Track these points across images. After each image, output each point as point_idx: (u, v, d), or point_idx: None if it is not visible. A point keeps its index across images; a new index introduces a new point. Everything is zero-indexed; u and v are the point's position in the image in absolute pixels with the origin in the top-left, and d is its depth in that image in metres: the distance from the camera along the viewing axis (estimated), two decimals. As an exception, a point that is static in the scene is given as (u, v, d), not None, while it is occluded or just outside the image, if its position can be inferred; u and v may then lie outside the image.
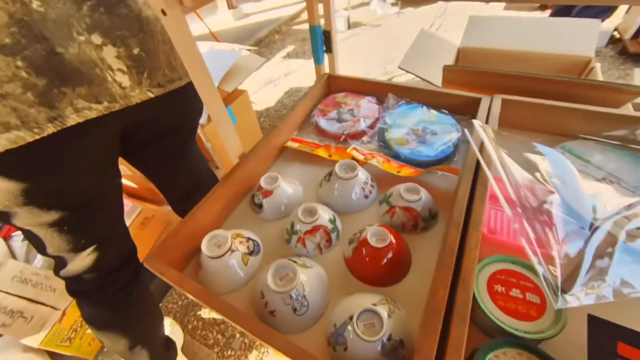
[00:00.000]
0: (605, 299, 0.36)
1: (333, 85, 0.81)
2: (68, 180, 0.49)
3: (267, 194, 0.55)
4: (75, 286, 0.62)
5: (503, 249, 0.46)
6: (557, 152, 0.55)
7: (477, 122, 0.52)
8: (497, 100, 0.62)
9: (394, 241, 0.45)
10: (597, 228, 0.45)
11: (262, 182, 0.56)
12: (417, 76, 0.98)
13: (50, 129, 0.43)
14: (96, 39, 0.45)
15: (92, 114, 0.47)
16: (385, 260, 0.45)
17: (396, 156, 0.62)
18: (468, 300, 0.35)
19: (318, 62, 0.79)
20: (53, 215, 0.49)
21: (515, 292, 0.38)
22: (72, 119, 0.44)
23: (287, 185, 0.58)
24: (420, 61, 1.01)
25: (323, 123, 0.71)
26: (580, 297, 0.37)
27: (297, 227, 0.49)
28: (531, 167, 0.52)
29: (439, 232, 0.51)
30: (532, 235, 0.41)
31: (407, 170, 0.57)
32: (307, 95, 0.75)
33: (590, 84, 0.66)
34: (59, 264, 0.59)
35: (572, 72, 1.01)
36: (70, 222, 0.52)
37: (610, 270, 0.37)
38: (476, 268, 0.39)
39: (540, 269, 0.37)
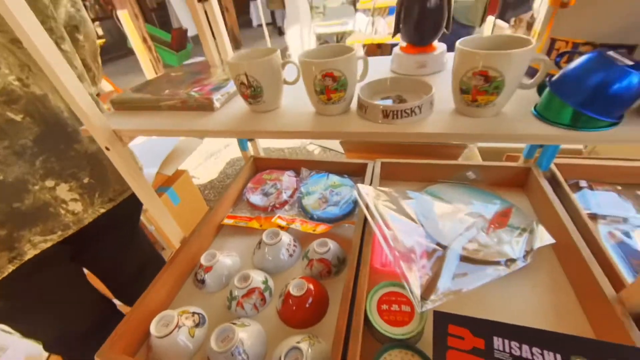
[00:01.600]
0: (448, 298, 0.53)
1: (259, 165, 0.99)
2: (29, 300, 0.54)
3: (208, 269, 0.66)
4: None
5: (390, 276, 0.62)
6: (423, 195, 0.78)
7: (360, 186, 0.72)
8: (378, 163, 0.85)
9: (312, 288, 0.58)
10: (446, 248, 0.64)
11: (203, 260, 0.67)
12: (325, 148, 1.22)
13: (10, 269, 0.49)
14: (49, 182, 0.53)
15: (48, 245, 0.53)
16: (307, 305, 0.57)
17: (312, 218, 0.78)
18: (360, 322, 0.49)
19: (244, 148, 0.97)
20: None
21: (395, 307, 0.54)
22: (30, 253, 0.51)
23: (226, 258, 0.69)
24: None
25: (253, 198, 0.86)
26: (434, 301, 0.54)
27: (235, 293, 0.60)
28: (404, 210, 0.73)
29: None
30: (402, 263, 0.58)
31: (321, 228, 0.74)
32: (237, 176, 0.90)
33: (441, 145, 0.95)
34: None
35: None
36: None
37: (446, 275, 0.56)
38: (366, 296, 0.54)
39: (407, 286, 0.54)
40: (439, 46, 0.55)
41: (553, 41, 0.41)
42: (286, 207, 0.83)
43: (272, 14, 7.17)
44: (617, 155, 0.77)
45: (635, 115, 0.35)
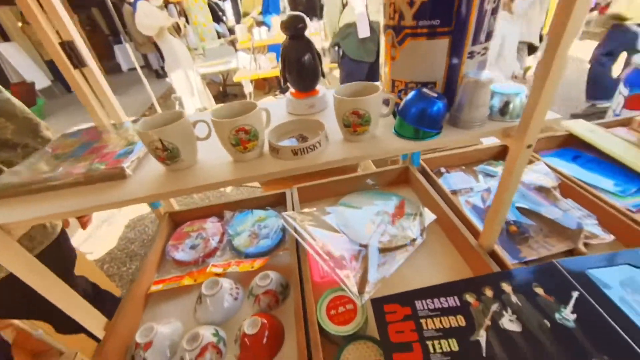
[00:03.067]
0: (377, 286, 0.65)
1: (177, 220, 0.94)
2: None
3: (147, 346, 0.60)
4: None
5: (331, 285, 0.70)
6: (338, 208, 0.90)
7: (285, 214, 0.79)
8: (295, 190, 0.95)
9: (265, 322, 0.61)
10: (367, 246, 0.77)
11: (138, 337, 0.61)
12: (239, 185, 1.25)
13: None
14: None
15: None
16: (265, 339, 0.60)
17: (247, 256, 0.81)
18: (316, 332, 0.55)
19: (155, 206, 0.92)
20: None
21: (341, 309, 0.62)
22: None
23: (164, 327, 0.64)
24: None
25: (179, 255, 0.82)
26: (369, 292, 0.64)
27: (187, 357, 0.57)
28: (327, 224, 0.83)
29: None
30: (337, 270, 0.68)
31: (258, 263, 0.77)
32: (155, 238, 0.84)
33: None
34: None
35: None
36: None
37: (372, 268, 0.68)
38: (315, 309, 0.60)
39: (345, 288, 0.63)
40: (320, 89, 0.69)
41: (393, 82, 0.59)
42: (217, 253, 0.82)
43: (145, 57, 6.74)
44: (458, 146, 1.08)
45: (448, 126, 0.54)
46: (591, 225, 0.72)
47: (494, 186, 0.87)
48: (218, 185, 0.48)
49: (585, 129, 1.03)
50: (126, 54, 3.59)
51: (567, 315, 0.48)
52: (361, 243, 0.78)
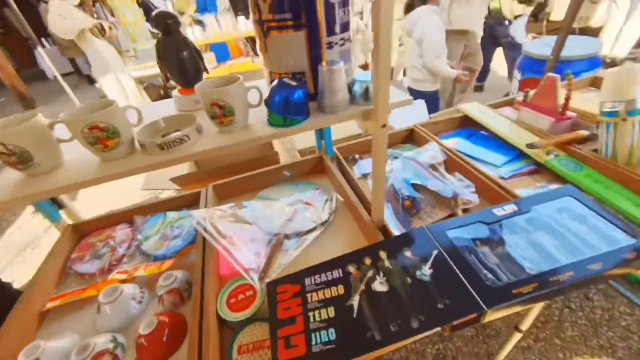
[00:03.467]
0: (282, 268, 0.68)
1: (83, 231, 0.89)
2: None
3: (33, 364, 0.57)
4: None
5: (237, 275, 0.72)
6: (253, 202, 0.91)
7: (194, 213, 0.79)
8: (210, 188, 0.94)
9: (164, 319, 0.61)
10: (279, 234, 0.79)
11: (21, 357, 0.57)
12: (159, 189, 1.22)
13: None
14: None
15: None
16: (165, 338, 0.59)
17: (157, 258, 0.79)
18: (209, 321, 0.57)
19: (54, 219, 0.86)
20: None
21: (241, 296, 0.64)
22: None
23: (57, 342, 0.61)
24: (158, 178, 1.27)
25: (82, 268, 0.78)
26: (269, 277, 0.67)
27: (77, 368, 0.55)
28: (242, 218, 0.84)
29: (204, 290, 0.72)
30: (240, 260, 0.69)
31: (167, 264, 0.76)
32: (52, 253, 0.79)
33: (263, 156, 1.13)
34: None
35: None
36: None
37: (281, 253, 0.71)
38: (216, 300, 0.62)
39: (245, 275, 0.65)
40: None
41: (270, 73, 0.62)
42: (124, 260, 0.80)
43: (73, 61, 6.12)
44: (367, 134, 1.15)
45: (314, 111, 0.58)
46: (469, 193, 0.82)
47: (395, 167, 0.94)
48: (78, 186, 0.47)
49: (477, 111, 1.16)
50: (51, 60, 3.23)
51: (425, 271, 0.55)
52: (273, 232, 0.81)
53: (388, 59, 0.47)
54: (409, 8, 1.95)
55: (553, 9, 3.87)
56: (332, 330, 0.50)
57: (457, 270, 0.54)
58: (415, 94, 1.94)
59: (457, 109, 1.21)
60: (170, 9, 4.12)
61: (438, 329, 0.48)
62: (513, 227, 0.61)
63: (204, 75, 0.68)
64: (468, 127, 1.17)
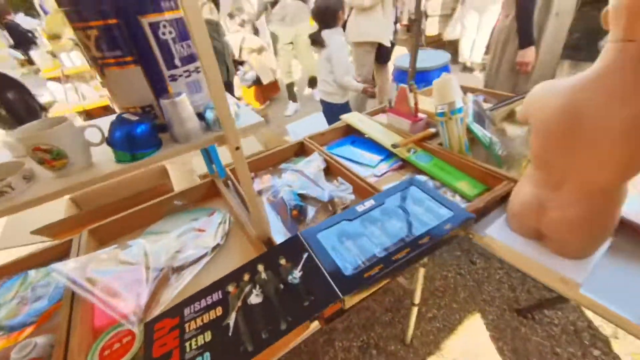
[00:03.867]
0: (167, 303, 0.65)
1: None
2: None
3: None
4: None
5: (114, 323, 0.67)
6: (139, 239, 0.85)
7: (56, 267, 0.70)
8: (84, 233, 0.85)
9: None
10: (164, 268, 0.76)
11: None
12: (22, 245, 1.05)
13: None
14: None
15: None
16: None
17: (14, 328, 0.68)
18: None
19: None
20: None
21: (116, 345, 0.59)
22: None
23: None
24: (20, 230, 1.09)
25: None
26: (151, 315, 0.64)
27: None
28: (124, 259, 0.78)
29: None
30: (114, 306, 0.64)
31: (26, 332, 0.65)
32: None
33: (148, 189, 1.07)
34: None
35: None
36: None
37: (167, 288, 0.68)
38: (85, 356, 0.56)
39: (122, 321, 0.61)
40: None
41: (120, 108, 0.61)
42: (-34, 341, 0.66)
43: None
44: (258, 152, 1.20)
45: (168, 141, 0.59)
46: (347, 194, 0.92)
47: (284, 180, 1.00)
48: None
49: (356, 119, 1.31)
50: None
51: (296, 275, 0.60)
52: (160, 267, 0.77)
53: (217, 87, 0.51)
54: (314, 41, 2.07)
55: (426, 25, 4.64)
56: (207, 355, 0.51)
57: (322, 267, 0.60)
58: (327, 105, 2.12)
59: (342, 120, 1.35)
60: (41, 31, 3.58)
61: (304, 323, 0.53)
62: (371, 219, 0.72)
63: (44, 114, 0.62)
64: (352, 134, 1.32)
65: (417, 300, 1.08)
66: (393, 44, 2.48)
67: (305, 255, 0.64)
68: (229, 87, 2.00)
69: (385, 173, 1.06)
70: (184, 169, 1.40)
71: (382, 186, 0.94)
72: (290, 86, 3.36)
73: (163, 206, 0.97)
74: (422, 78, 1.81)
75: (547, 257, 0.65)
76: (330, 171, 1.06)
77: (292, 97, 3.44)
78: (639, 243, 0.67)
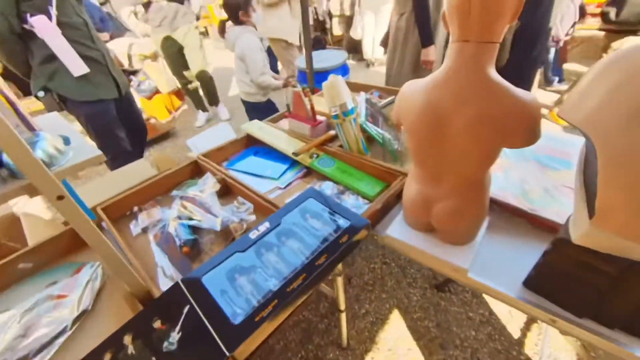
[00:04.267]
0: None
1: None
2: None
3: None
4: None
5: None
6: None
7: None
8: None
9: None
10: None
11: None
12: None
13: None
14: None
15: None
16: None
17: None
18: None
19: None
20: None
21: None
22: None
23: None
24: None
25: None
26: None
27: None
28: None
29: None
30: None
31: None
32: None
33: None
34: None
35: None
36: None
37: None
38: None
39: None
40: None
41: None
42: None
43: None
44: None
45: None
46: (246, 215, 0.83)
47: (171, 212, 0.85)
48: None
49: (256, 128, 1.22)
50: None
51: (173, 338, 0.49)
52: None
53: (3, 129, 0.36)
54: (222, 30, 1.92)
55: (332, 26, 4.81)
56: None
57: (206, 320, 0.50)
58: (249, 105, 2.00)
59: (242, 129, 1.25)
60: None
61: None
62: (266, 245, 0.64)
63: None
64: (255, 144, 1.23)
65: (342, 306, 1.06)
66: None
67: (186, 310, 0.52)
68: (127, 102, 1.69)
69: (290, 183, 1.00)
70: (49, 215, 1.11)
71: (286, 199, 0.88)
72: (192, 93, 3.07)
73: (4, 274, 0.73)
74: (323, 78, 1.81)
75: (440, 248, 0.68)
76: (229, 191, 0.95)
77: (200, 105, 3.16)
78: (509, 218, 0.75)
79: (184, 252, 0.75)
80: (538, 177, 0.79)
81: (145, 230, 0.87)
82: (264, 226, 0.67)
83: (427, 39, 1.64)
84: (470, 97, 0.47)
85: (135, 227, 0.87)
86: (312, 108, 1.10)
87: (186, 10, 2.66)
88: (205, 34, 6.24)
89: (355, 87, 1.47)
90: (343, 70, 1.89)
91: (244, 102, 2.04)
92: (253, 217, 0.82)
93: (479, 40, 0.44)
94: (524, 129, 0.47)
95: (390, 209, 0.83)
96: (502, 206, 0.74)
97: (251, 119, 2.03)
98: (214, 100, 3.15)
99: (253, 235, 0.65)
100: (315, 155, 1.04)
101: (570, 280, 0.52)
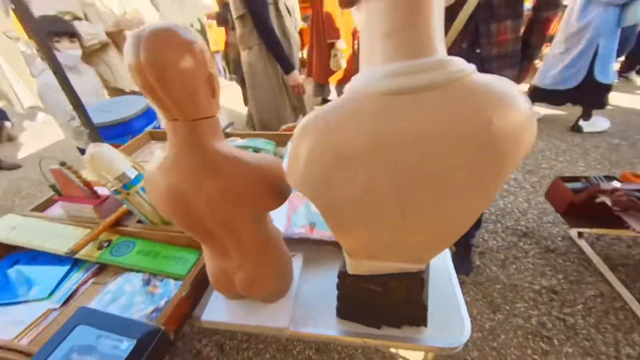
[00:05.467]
0: None
1: None
2: None
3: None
4: None
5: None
6: None
7: None
8: None
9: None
10: None
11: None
12: None
13: None
14: None
15: None
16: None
17: None
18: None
19: None
20: None
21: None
22: None
23: None
24: None
25: None
26: None
27: None
28: None
29: None
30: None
31: None
32: None
33: None
34: None
35: None
36: None
37: None
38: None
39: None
40: None
41: None
42: None
43: None
44: None
45: None
46: None
47: None
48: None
49: (7, 230, 0.86)
50: None
51: None
52: None
53: None
54: None
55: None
56: None
57: None
58: None
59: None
60: None
61: None
62: None
63: None
64: (14, 252, 0.86)
65: None
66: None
67: None
68: None
69: (73, 295, 0.74)
70: None
71: (65, 318, 0.63)
72: None
73: None
74: (124, 130, 1.53)
75: (260, 314, 0.63)
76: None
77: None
78: (321, 247, 0.78)
79: None
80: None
81: None
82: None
83: (288, 65, 1.58)
84: (205, 174, 0.43)
85: None
86: (87, 183, 0.86)
87: None
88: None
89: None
90: (148, 118, 1.63)
91: None
92: None
93: (186, 119, 0.40)
94: (270, 192, 0.47)
95: (205, 284, 0.73)
96: (312, 240, 0.78)
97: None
98: None
99: None
100: (105, 244, 0.81)
101: (359, 301, 0.57)
